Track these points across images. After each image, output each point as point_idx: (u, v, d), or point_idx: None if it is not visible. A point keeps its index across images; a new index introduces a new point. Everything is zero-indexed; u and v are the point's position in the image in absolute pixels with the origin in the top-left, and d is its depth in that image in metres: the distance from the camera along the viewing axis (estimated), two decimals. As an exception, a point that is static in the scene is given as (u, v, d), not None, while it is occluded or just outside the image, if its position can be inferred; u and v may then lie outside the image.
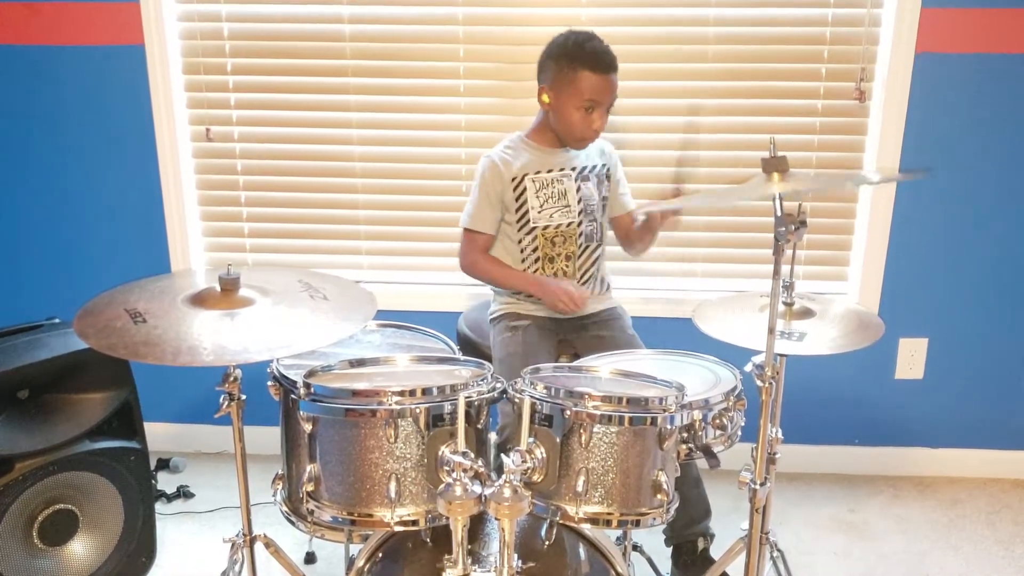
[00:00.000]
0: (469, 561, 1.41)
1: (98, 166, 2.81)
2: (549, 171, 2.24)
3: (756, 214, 2.74)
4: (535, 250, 2.24)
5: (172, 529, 2.58)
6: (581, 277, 2.28)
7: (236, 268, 1.68)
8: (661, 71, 2.67)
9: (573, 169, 2.25)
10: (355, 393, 1.54)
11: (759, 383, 1.66)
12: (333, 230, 2.88)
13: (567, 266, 2.26)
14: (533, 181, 2.22)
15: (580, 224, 2.25)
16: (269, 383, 1.70)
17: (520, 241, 2.25)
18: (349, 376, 1.63)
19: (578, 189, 2.25)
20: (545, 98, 2.19)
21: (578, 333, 2.27)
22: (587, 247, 2.28)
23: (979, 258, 2.73)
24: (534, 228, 2.23)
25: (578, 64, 2.11)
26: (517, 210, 2.23)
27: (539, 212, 2.22)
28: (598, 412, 1.50)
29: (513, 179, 2.22)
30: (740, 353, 1.78)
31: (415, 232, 2.86)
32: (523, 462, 1.46)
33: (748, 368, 1.72)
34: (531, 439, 1.51)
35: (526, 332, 2.21)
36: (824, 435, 2.92)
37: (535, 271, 2.25)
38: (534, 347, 2.18)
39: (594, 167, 2.29)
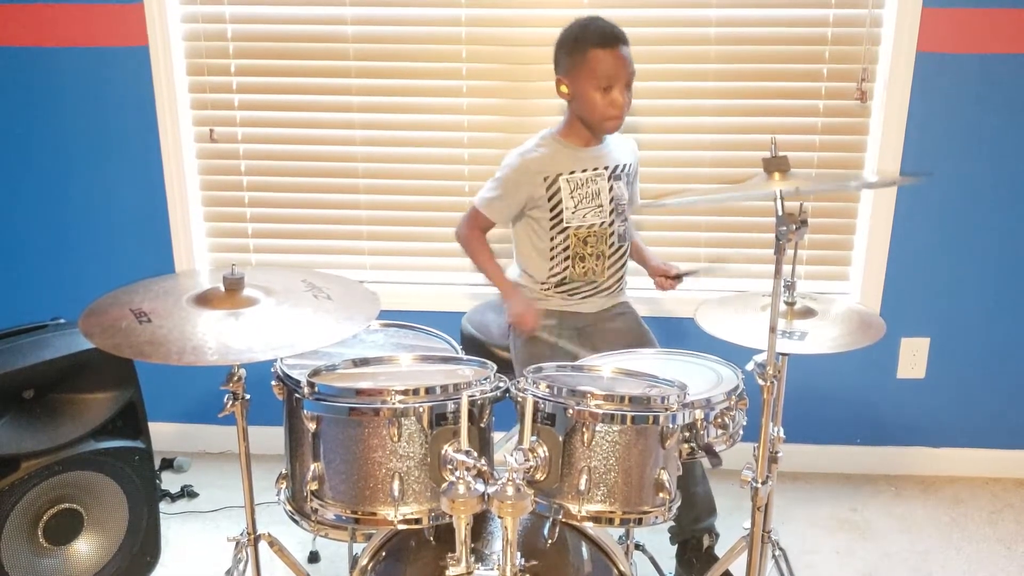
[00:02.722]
0: (472, 559, 1.42)
1: (102, 167, 2.82)
2: (583, 171, 2.22)
3: (758, 214, 2.75)
4: (566, 249, 2.24)
5: (176, 528, 2.59)
6: (611, 276, 2.28)
7: (240, 268, 1.69)
8: (663, 71, 2.67)
9: (606, 168, 2.24)
10: (359, 392, 1.54)
11: (761, 382, 1.67)
12: (336, 230, 2.89)
13: (597, 265, 2.25)
14: (568, 181, 2.21)
15: (612, 224, 2.25)
16: (273, 382, 1.71)
17: (552, 239, 2.24)
18: (353, 375, 1.64)
19: (611, 189, 2.24)
20: (564, 88, 2.17)
21: (595, 327, 2.28)
22: (620, 247, 2.28)
23: (981, 257, 2.74)
24: (567, 228, 2.22)
25: (586, 45, 2.10)
26: (551, 210, 2.22)
27: (573, 212, 2.21)
28: (600, 411, 1.50)
29: (546, 178, 2.20)
30: (742, 352, 1.78)
31: (418, 232, 2.87)
32: (526, 460, 1.47)
33: (750, 367, 1.73)
34: (534, 438, 1.52)
35: (551, 332, 2.21)
36: (826, 434, 2.93)
37: (565, 270, 2.25)
38: (560, 347, 2.18)
39: (626, 166, 2.29)
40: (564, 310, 2.27)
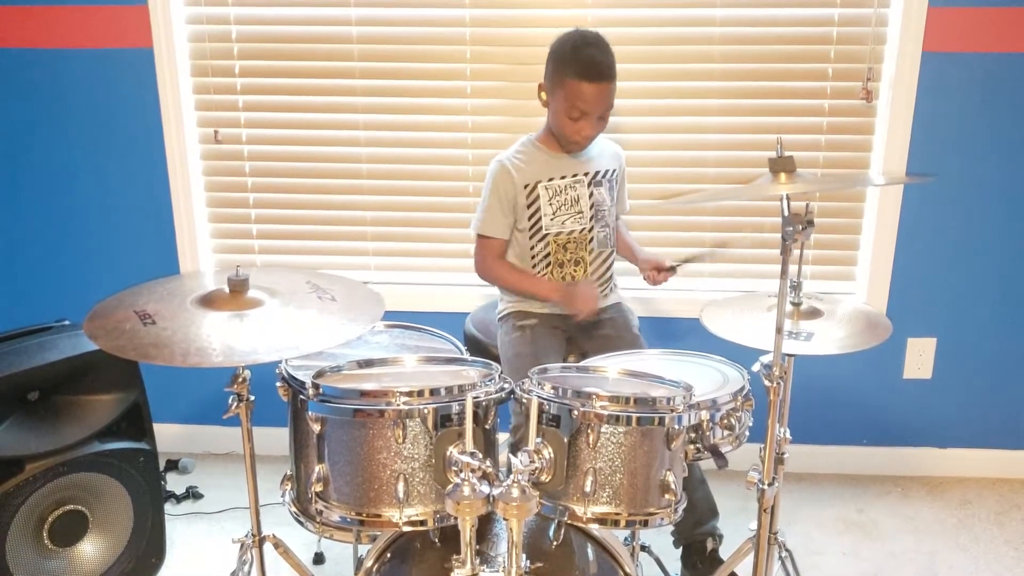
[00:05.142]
0: (477, 561, 1.42)
1: (107, 168, 2.82)
2: (562, 177, 2.22)
3: (763, 214, 2.74)
4: (546, 256, 2.24)
5: (181, 530, 2.59)
6: (595, 282, 2.28)
7: (244, 269, 1.69)
8: (667, 71, 2.67)
9: (586, 175, 2.24)
10: (363, 394, 1.54)
11: (767, 383, 1.66)
12: (341, 231, 2.89)
13: (575, 271, 2.25)
14: (546, 188, 2.21)
15: (592, 230, 2.25)
16: (278, 384, 1.71)
17: (532, 248, 2.24)
18: (357, 377, 1.64)
19: (591, 195, 2.24)
20: (542, 95, 2.19)
21: (585, 331, 2.27)
22: (601, 252, 2.28)
23: (987, 257, 2.73)
24: (546, 235, 2.22)
25: (568, 70, 2.08)
26: (530, 217, 2.22)
27: (552, 219, 2.21)
28: (606, 412, 1.50)
29: (526, 186, 2.20)
30: (748, 353, 1.78)
31: (422, 233, 2.87)
32: (531, 462, 1.46)
33: (756, 368, 1.72)
34: (539, 439, 1.51)
35: (534, 331, 2.21)
36: (832, 435, 2.92)
37: (545, 276, 2.25)
38: (543, 347, 2.17)
39: (607, 172, 2.28)
40: (544, 312, 2.26)
